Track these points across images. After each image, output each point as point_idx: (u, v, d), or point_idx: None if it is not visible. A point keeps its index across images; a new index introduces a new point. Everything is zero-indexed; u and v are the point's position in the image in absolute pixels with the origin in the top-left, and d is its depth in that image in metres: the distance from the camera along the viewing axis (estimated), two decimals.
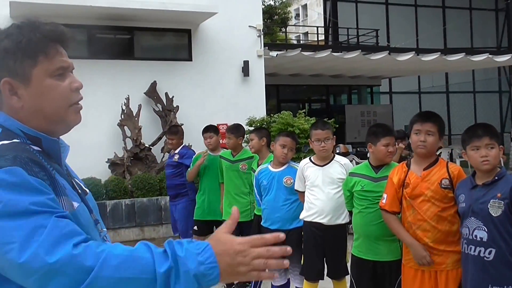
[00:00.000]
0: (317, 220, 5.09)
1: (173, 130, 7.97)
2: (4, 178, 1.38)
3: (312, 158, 5.33)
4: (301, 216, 5.25)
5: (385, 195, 4.16)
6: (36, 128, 1.60)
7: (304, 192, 5.26)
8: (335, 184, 5.11)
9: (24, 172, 1.41)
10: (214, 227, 7.15)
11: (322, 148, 5.11)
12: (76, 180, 1.77)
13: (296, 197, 5.45)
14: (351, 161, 11.65)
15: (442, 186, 3.87)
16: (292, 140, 5.57)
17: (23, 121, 1.59)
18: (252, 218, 6.52)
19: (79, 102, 1.69)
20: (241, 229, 6.50)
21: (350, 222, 5.04)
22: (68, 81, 1.65)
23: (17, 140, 1.53)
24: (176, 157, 7.60)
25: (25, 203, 1.37)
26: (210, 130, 7.31)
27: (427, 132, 3.94)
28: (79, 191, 1.71)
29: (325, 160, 5.22)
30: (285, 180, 5.49)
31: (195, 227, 7.31)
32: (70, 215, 1.46)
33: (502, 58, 16.96)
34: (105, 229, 1.77)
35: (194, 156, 7.37)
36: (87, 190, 1.81)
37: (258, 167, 6.09)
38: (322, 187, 5.10)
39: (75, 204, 1.58)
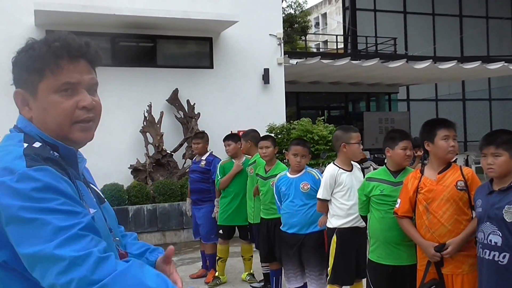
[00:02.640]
0: (357, 224, 4.98)
1: (200, 135, 7.87)
2: (37, 176, 1.40)
3: (338, 163, 5.14)
4: (335, 225, 5.03)
5: (398, 200, 4.13)
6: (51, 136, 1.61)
7: (328, 200, 5.09)
8: None
9: (54, 170, 1.44)
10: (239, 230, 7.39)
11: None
12: (94, 187, 1.75)
13: (314, 202, 5.31)
14: (368, 167, 11.48)
15: (458, 187, 3.83)
16: (303, 148, 5.51)
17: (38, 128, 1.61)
18: (248, 222, 7.02)
19: (89, 121, 1.63)
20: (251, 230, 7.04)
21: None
22: (76, 98, 1.59)
23: (40, 143, 1.54)
24: (203, 163, 7.48)
25: (55, 202, 1.40)
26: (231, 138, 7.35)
27: (453, 137, 3.97)
28: (94, 199, 1.69)
29: (351, 165, 5.15)
30: (301, 186, 5.41)
31: (220, 231, 7.23)
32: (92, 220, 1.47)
33: None
34: (118, 238, 1.75)
35: (219, 164, 7.26)
36: (104, 199, 1.79)
37: (265, 173, 6.34)
38: (356, 192, 4.96)
39: (92, 210, 1.56)
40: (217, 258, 7.31)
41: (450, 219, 3.81)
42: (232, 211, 7.09)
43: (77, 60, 1.59)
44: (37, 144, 1.54)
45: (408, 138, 4.53)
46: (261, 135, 7.25)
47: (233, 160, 7.19)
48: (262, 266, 6.98)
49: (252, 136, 7.15)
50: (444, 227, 3.82)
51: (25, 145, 1.51)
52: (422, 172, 4.06)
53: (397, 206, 4.13)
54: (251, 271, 7.38)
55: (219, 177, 7.13)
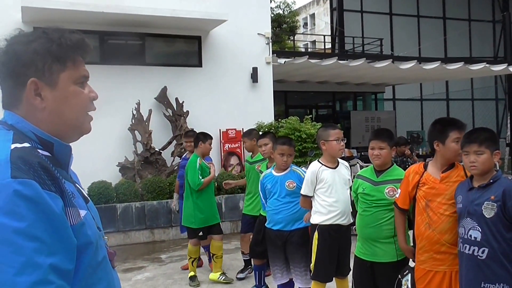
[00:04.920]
0: (338, 222, 4.94)
1: (191, 134, 7.87)
2: (20, 190, 1.27)
3: (321, 161, 5.10)
4: (317, 221, 4.98)
5: (399, 191, 4.15)
6: (51, 132, 1.52)
7: (311, 197, 5.04)
8: (346, 185, 5.05)
9: (38, 187, 1.30)
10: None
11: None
12: (79, 187, 1.65)
13: (299, 199, 5.29)
14: (355, 165, 11.24)
15: None
16: (288, 147, 5.45)
17: (39, 123, 1.50)
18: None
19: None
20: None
21: (353, 223, 4.95)
22: (87, 90, 1.61)
23: (28, 145, 1.42)
24: None
25: (33, 225, 1.27)
26: (209, 136, 7.25)
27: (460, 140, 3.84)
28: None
29: (336, 163, 5.10)
30: (287, 184, 5.41)
31: (201, 233, 7.08)
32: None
33: (499, 67, 16.74)
34: (106, 238, 1.66)
35: (198, 163, 7.03)
36: (88, 198, 1.69)
37: (267, 169, 6.16)
38: (339, 189, 4.97)
39: (83, 213, 1.46)
40: (190, 259, 7.12)
41: (450, 217, 3.76)
42: (208, 211, 7.00)
43: (85, 56, 1.62)
44: (26, 144, 1.42)
45: (375, 138, 4.50)
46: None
47: (203, 160, 7.09)
48: (243, 254, 7.13)
49: (255, 133, 7.14)
50: (445, 225, 3.78)
51: (13, 146, 1.38)
52: (425, 167, 3.99)
53: (397, 196, 4.14)
54: (222, 271, 7.17)
55: (200, 177, 6.87)
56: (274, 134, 7.45)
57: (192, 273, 7.05)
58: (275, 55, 13.78)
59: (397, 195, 4.14)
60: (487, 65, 16.23)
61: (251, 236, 6.80)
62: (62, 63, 1.53)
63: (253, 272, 6.88)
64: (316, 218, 4.99)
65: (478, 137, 3.55)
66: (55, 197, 1.34)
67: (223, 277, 7.03)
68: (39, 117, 1.51)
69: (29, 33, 1.56)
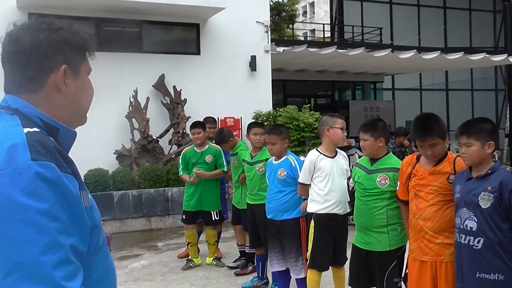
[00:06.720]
0: (334, 211, 4.95)
1: (213, 120, 7.84)
2: (41, 172, 1.30)
3: (320, 150, 5.10)
4: (313, 210, 5.01)
5: (398, 183, 4.20)
6: (61, 118, 1.54)
7: (308, 185, 5.05)
8: (344, 175, 5.07)
9: (57, 169, 1.34)
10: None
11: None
12: None
13: (289, 189, 5.36)
14: (353, 154, 11.25)
15: (450, 181, 3.83)
16: (273, 136, 5.45)
17: (56, 109, 1.53)
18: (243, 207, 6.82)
19: None
20: (240, 215, 6.92)
21: (351, 213, 4.97)
22: None
23: (37, 129, 1.44)
24: None
25: (55, 207, 1.31)
26: (199, 126, 7.27)
27: (432, 145, 3.87)
28: None
29: (334, 152, 5.09)
30: (279, 172, 5.42)
31: (183, 216, 7.32)
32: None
33: (499, 58, 16.75)
34: (102, 222, 1.67)
35: (182, 153, 7.48)
36: None
37: (251, 158, 6.25)
38: (336, 179, 4.97)
39: (90, 196, 1.51)
40: (186, 243, 7.40)
41: (435, 205, 3.83)
42: (196, 198, 7.16)
43: (90, 52, 1.68)
44: (36, 129, 1.44)
45: (360, 130, 4.57)
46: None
47: (195, 148, 7.23)
48: (238, 245, 7.23)
49: (227, 132, 7.15)
50: (427, 213, 3.84)
51: (26, 130, 1.40)
52: (418, 159, 4.05)
53: (397, 188, 4.20)
54: (216, 255, 7.41)
55: (181, 166, 7.28)
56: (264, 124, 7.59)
57: (189, 257, 7.33)
58: (274, 43, 13.71)
59: (397, 188, 4.20)
60: (487, 55, 16.22)
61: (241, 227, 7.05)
62: (83, 55, 1.60)
63: (244, 261, 7.07)
64: (312, 206, 5.02)
65: (468, 129, 3.59)
66: (72, 179, 1.38)
67: (216, 262, 7.31)
68: (57, 103, 1.54)
69: (48, 20, 1.58)
